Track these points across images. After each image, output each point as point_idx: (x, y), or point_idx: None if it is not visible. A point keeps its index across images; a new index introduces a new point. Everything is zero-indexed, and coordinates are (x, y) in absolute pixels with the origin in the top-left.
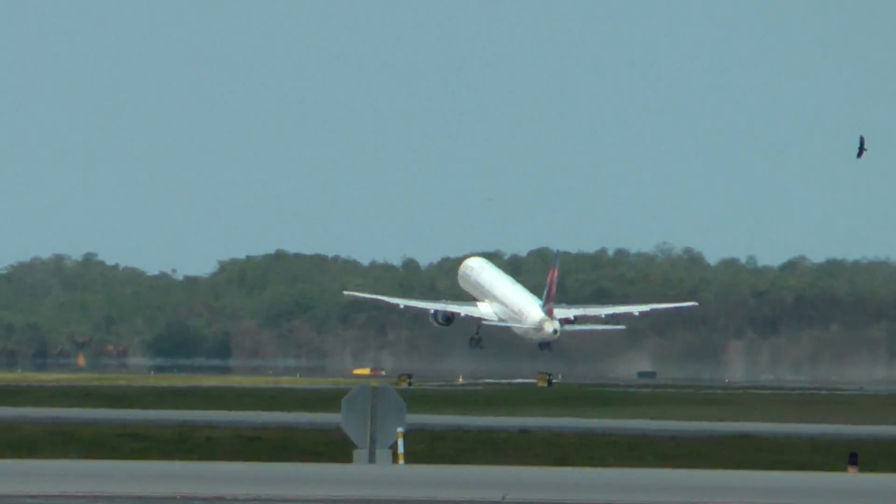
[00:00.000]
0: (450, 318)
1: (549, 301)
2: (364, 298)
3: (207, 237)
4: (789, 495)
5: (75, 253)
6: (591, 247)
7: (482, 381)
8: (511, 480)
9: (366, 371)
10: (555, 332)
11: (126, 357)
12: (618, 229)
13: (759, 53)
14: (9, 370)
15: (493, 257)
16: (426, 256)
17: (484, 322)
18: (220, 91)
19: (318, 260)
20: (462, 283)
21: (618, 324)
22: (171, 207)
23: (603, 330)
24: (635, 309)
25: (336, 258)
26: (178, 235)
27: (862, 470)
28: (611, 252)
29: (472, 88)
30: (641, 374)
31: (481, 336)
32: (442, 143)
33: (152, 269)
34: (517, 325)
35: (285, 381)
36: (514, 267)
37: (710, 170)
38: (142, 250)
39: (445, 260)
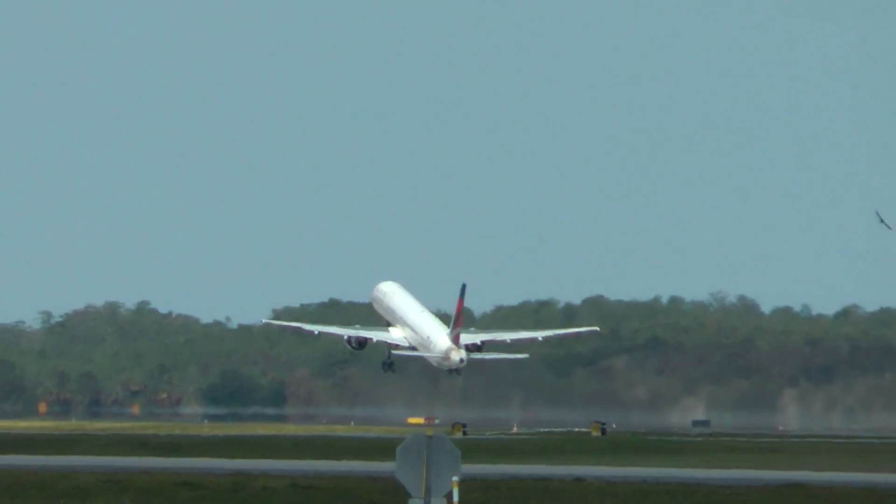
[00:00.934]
0: (363, 342)
1: (456, 328)
2: (283, 327)
3: (261, 285)
4: None
5: (129, 301)
6: (644, 295)
7: (537, 429)
8: None
9: (420, 420)
10: (461, 360)
11: (180, 405)
12: (671, 278)
13: (812, 100)
14: (64, 419)
15: (547, 305)
16: (480, 305)
17: (394, 350)
18: (271, 141)
19: (372, 308)
20: (376, 307)
21: (521, 351)
22: (224, 256)
23: (507, 358)
24: (539, 334)
25: None
26: (231, 284)
27: None
28: (664, 300)
29: (525, 132)
30: (696, 423)
31: (393, 360)
32: (494, 192)
33: (206, 318)
34: (426, 352)
35: (340, 430)
36: (568, 315)
37: (763, 218)
38: (195, 298)
39: (499, 308)
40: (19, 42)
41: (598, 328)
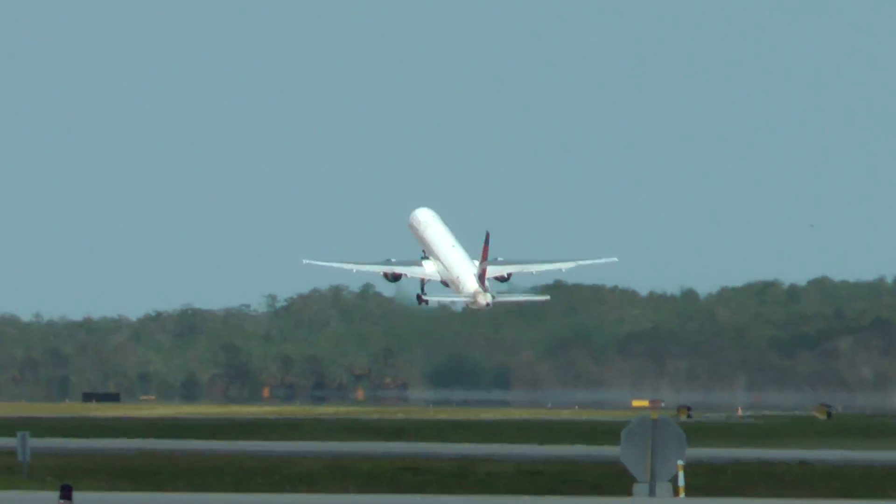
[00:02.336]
0: (397, 277)
1: (482, 263)
2: (322, 266)
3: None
4: None
5: (353, 284)
6: (868, 274)
7: (762, 412)
8: None
9: (645, 403)
10: (487, 304)
11: (405, 389)
12: None
13: None
14: (288, 403)
15: (771, 286)
16: (705, 286)
17: (426, 282)
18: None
19: (596, 290)
20: (412, 232)
21: (545, 287)
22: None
23: (530, 300)
24: (563, 265)
25: (615, 288)
26: None
27: None
28: (889, 280)
29: (743, 111)
30: None
31: (426, 295)
32: (723, 178)
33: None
34: (455, 290)
35: (564, 414)
36: (793, 296)
37: None
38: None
39: (725, 289)
40: None
41: (615, 258)
